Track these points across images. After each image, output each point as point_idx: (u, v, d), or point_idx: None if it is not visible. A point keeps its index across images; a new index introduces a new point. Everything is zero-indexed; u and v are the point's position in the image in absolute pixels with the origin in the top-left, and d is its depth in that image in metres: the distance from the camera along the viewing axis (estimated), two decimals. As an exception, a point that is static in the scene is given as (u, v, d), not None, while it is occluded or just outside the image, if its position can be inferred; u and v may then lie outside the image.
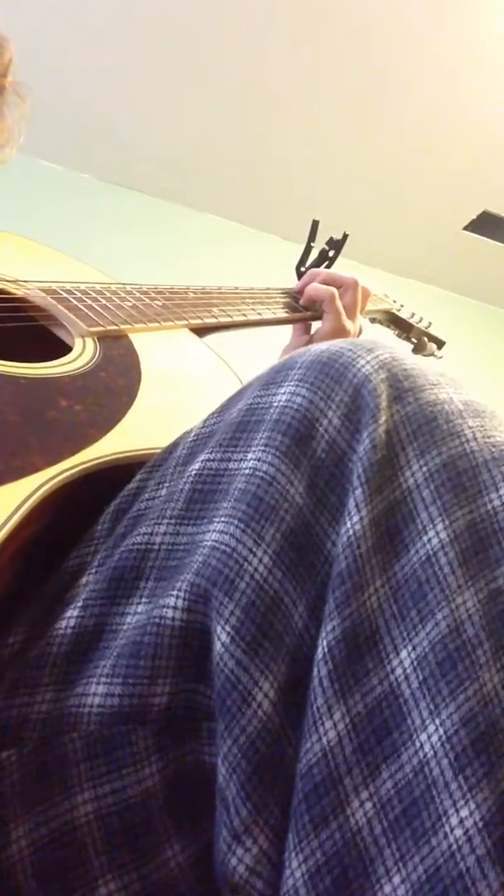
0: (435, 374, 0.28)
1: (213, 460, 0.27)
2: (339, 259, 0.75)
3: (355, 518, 0.24)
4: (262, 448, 0.26)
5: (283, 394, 0.27)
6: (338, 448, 0.26)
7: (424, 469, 0.25)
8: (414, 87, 1.63)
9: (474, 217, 2.01)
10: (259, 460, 0.26)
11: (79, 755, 0.23)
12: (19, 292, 0.45)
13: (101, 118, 1.78)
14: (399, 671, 0.22)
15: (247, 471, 0.26)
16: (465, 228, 2.06)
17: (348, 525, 0.24)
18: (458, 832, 0.19)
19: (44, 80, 1.65)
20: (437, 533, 0.24)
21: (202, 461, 0.28)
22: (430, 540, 0.24)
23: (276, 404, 0.27)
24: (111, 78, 1.67)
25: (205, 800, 0.23)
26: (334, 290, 0.62)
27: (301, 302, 0.65)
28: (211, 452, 0.28)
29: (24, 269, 0.48)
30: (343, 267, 0.77)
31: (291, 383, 0.27)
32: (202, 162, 1.90)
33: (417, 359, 0.28)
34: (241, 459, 0.27)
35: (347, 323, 0.62)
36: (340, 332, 0.62)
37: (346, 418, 0.26)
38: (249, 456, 0.26)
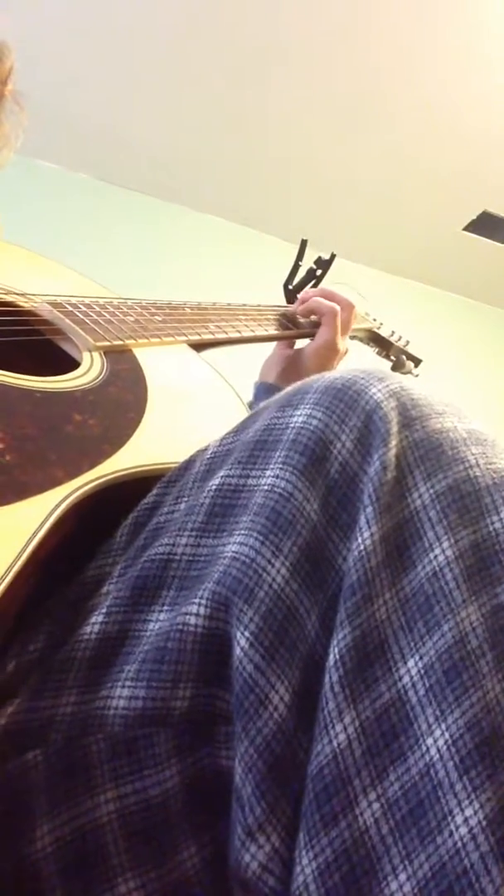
0: (441, 403, 0.30)
1: (233, 476, 0.29)
2: (327, 280, 0.77)
3: (366, 534, 0.25)
4: (280, 466, 0.28)
5: (300, 416, 0.29)
6: (350, 469, 0.27)
7: (431, 491, 0.27)
8: (413, 87, 1.63)
9: (474, 217, 2.01)
10: (277, 477, 0.27)
11: (103, 756, 0.24)
12: (27, 305, 0.46)
13: (101, 118, 1.78)
14: (406, 679, 0.23)
15: (265, 487, 0.27)
16: (465, 229, 2.06)
17: (359, 540, 0.25)
18: (463, 830, 0.20)
19: (44, 81, 1.65)
20: (444, 550, 0.25)
21: (222, 477, 0.29)
22: (436, 557, 0.25)
23: (292, 425, 0.29)
24: (111, 78, 1.67)
25: (220, 803, 0.24)
26: (337, 306, 0.65)
27: (299, 312, 0.67)
28: (230, 469, 0.29)
29: (25, 280, 0.49)
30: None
31: (307, 406, 0.29)
32: (202, 162, 1.90)
33: (424, 389, 0.30)
34: (260, 476, 0.28)
35: (339, 340, 0.64)
36: (333, 347, 0.64)
37: (358, 442, 0.28)
38: (268, 473, 0.28)
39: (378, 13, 1.46)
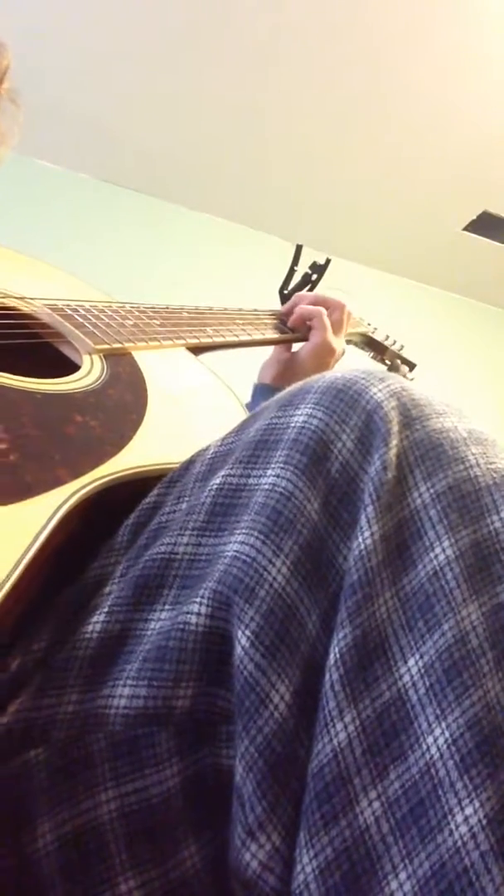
0: (441, 404, 0.30)
1: (234, 475, 0.29)
2: (322, 285, 0.77)
3: (367, 533, 0.25)
4: (282, 465, 0.28)
5: (301, 416, 0.29)
6: (351, 469, 0.27)
7: (431, 490, 0.27)
8: (413, 87, 1.63)
9: (474, 217, 2.01)
10: (278, 476, 0.27)
11: (104, 755, 0.24)
12: (27, 309, 0.46)
13: (101, 119, 1.78)
14: (407, 678, 0.23)
15: (266, 486, 0.27)
16: (465, 229, 2.06)
17: (360, 540, 0.25)
18: (463, 829, 0.20)
19: (45, 81, 1.65)
20: (444, 549, 0.25)
21: (223, 476, 0.29)
22: (437, 556, 0.25)
23: (293, 425, 0.29)
24: (111, 79, 1.68)
25: (221, 802, 0.24)
26: (323, 308, 0.66)
27: (290, 322, 0.68)
28: (231, 468, 0.29)
29: (24, 284, 0.49)
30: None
31: (308, 406, 0.29)
32: (202, 162, 1.90)
33: (424, 390, 0.30)
34: (261, 475, 0.28)
35: (333, 339, 0.65)
36: (326, 347, 0.65)
37: (359, 441, 0.28)
38: (269, 472, 0.28)
39: (378, 13, 1.46)
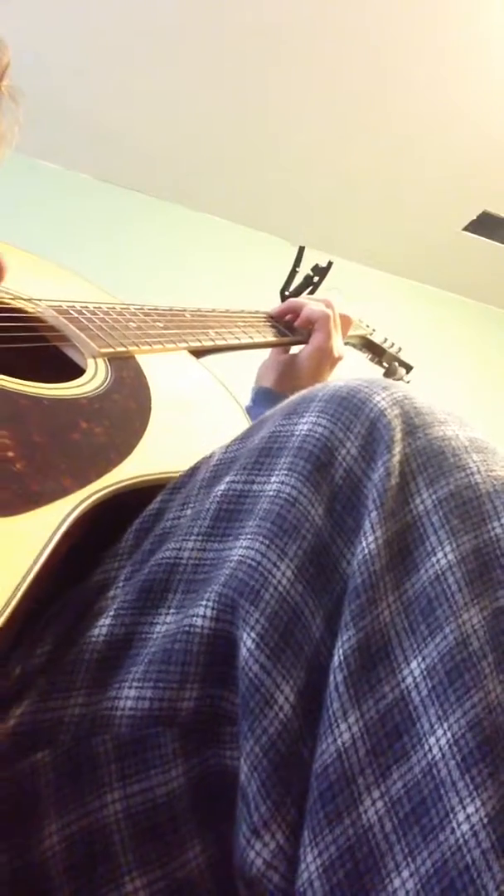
0: (443, 412, 0.30)
1: (238, 482, 0.29)
2: (322, 288, 0.77)
3: (370, 538, 0.26)
4: (286, 472, 0.28)
5: (305, 423, 0.29)
6: (354, 476, 0.28)
7: (434, 497, 0.27)
8: (413, 86, 1.63)
9: (474, 217, 2.01)
10: (283, 483, 0.28)
11: (110, 756, 0.25)
12: (33, 311, 0.46)
13: (101, 118, 1.78)
14: (409, 680, 0.24)
15: (271, 492, 0.28)
16: (465, 229, 2.06)
17: (364, 544, 0.26)
18: (465, 827, 0.21)
19: (45, 81, 1.65)
20: (446, 554, 0.26)
21: (227, 483, 0.30)
22: (438, 561, 0.26)
23: (297, 433, 0.29)
24: (112, 78, 1.67)
25: (225, 803, 0.24)
26: (330, 311, 0.66)
27: (297, 323, 0.68)
28: (236, 475, 0.30)
29: (30, 284, 0.50)
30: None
31: (313, 414, 0.30)
32: (202, 162, 1.90)
33: (427, 398, 0.30)
34: (266, 482, 0.29)
35: (335, 343, 0.65)
36: (327, 351, 0.65)
37: (362, 448, 0.28)
38: (273, 479, 0.28)
39: (377, 14, 1.46)
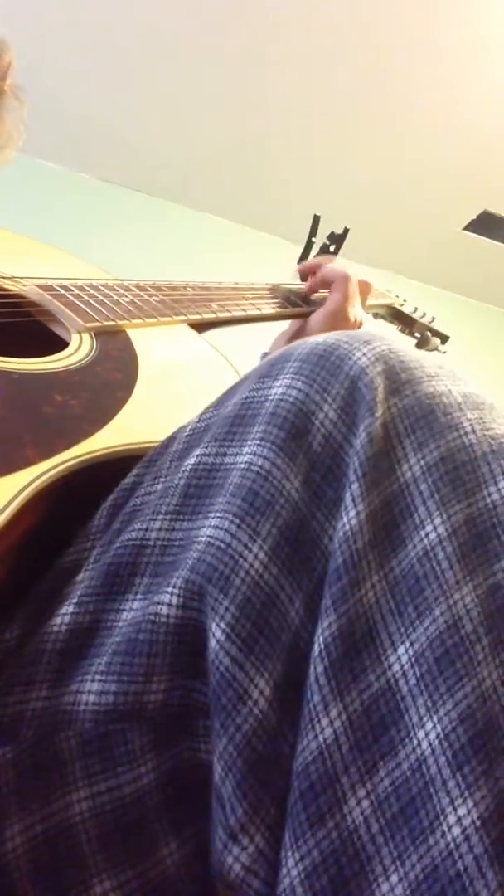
0: (433, 365, 0.28)
1: (209, 455, 0.27)
2: (340, 258, 0.75)
3: (352, 513, 0.23)
4: (258, 442, 0.26)
5: (279, 387, 0.27)
6: (334, 442, 0.25)
7: (422, 462, 0.25)
8: (413, 87, 1.63)
9: (474, 217, 2.01)
10: (254, 454, 0.26)
11: (74, 753, 0.23)
12: (15, 289, 0.45)
13: (102, 118, 1.78)
14: (396, 667, 0.22)
15: (242, 465, 0.26)
16: (465, 228, 2.06)
17: (345, 520, 0.23)
18: (456, 831, 0.19)
19: (45, 81, 1.65)
20: (436, 527, 0.23)
21: (197, 455, 0.27)
22: (427, 534, 0.23)
23: (271, 398, 0.27)
24: (112, 78, 1.68)
25: (201, 798, 0.23)
26: (347, 273, 0.61)
27: (310, 284, 0.64)
28: (206, 447, 0.28)
29: (16, 264, 0.48)
30: (343, 266, 0.77)
31: (287, 376, 0.27)
32: (202, 162, 1.90)
33: (416, 350, 0.28)
34: (237, 454, 0.26)
35: (351, 306, 0.60)
36: (343, 314, 0.60)
37: (342, 412, 0.26)
38: (245, 450, 0.26)
39: (377, 14, 1.46)
